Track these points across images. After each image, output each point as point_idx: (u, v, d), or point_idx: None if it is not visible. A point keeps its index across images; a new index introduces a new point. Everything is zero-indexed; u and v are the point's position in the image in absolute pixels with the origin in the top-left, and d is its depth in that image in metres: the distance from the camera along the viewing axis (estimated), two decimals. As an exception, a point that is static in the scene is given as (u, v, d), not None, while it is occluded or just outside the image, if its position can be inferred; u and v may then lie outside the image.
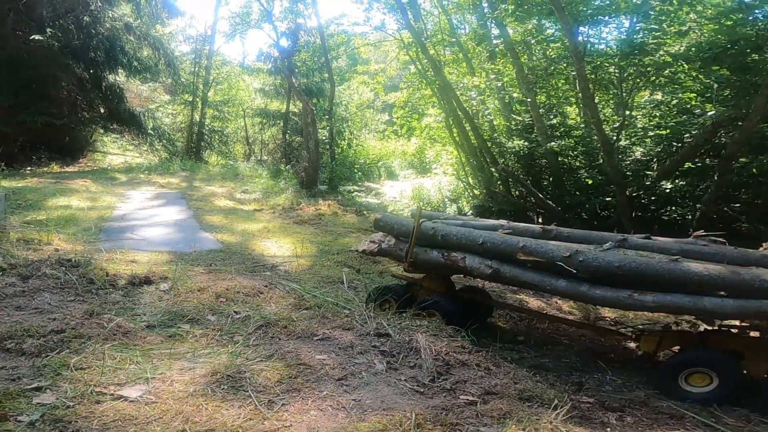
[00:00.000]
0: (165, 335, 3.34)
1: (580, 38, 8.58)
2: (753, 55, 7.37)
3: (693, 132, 8.24)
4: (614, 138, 8.92)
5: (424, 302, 4.23)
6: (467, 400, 2.70)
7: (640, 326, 4.54)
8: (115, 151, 19.58)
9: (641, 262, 3.35)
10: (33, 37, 13.02)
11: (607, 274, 3.42)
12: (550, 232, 4.12)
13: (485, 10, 11.80)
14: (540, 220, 10.11)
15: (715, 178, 7.55)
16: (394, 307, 4.25)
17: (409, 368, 3.04)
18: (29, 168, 12.80)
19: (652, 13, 8.23)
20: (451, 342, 3.39)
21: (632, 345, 4.43)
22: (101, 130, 17.59)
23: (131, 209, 8.39)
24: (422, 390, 2.79)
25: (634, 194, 8.64)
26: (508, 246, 3.80)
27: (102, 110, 16.70)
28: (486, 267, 3.89)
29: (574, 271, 3.46)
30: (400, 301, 4.28)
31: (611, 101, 10.56)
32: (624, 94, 9.34)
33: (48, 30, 13.51)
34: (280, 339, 3.38)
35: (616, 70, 9.00)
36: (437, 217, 4.75)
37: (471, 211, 12.44)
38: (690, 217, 8.14)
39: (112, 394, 2.46)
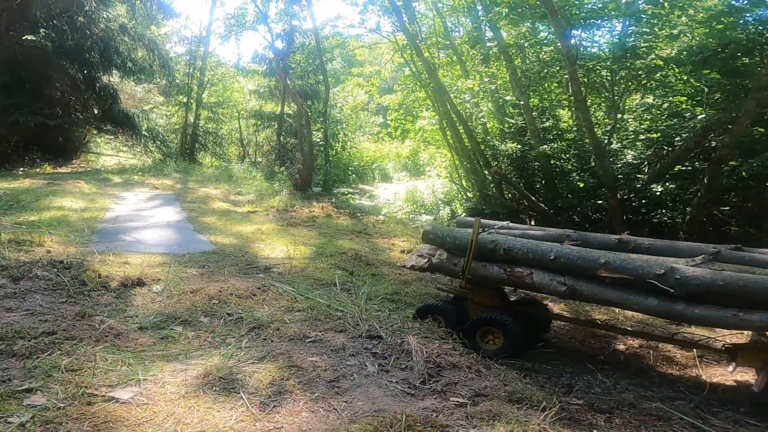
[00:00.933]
0: (157, 337, 3.35)
1: (572, 41, 8.64)
2: (743, 59, 7.44)
3: (683, 135, 8.32)
4: (606, 141, 8.99)
5: (481, 320, 3.87)
6: (457, 402, 2.72)
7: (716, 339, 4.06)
8: (108, 152, 19.51)
9: (749, 279, 3.07)
10: (26, 37, 12.97)
11: (707, 292, 3.15)
12: (627, 244, 3.82)
13: (479, 13, 11.86)
14: (532, 223, 10.16)
15: (705, 181, 7.62)
16: (442, 326, 3.90)
17: (401, 370, 3.07)
18: (22, 168, 12.76)
19: (644, 16, 8.31)
20: (443, 344, 3.42)
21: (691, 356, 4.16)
22: (95, 131, 17.55)
23: (125, 211, 8.37)
24: (413, 392, 2.81)
25: (625, 197, 8.71)
26: (587, 261, 3.48)
27: (96, 111, 16.65)
28: (558, 284, 3.57)
29: (671, 290, 3.18)
30: (450, 319, 3.92)
31: (603, 104, 10.63)
32: (615, 97, 9.41)
33: (42, 30, 13.47)
34: (272, 341, 3.39)
35: (608, 74, 9.06)
36: (491, 226, 4.41)
37: (464, 213, 12.48)
38: (680, 220, 8.21)
39: (103, 396, 2.47)
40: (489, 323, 3.86)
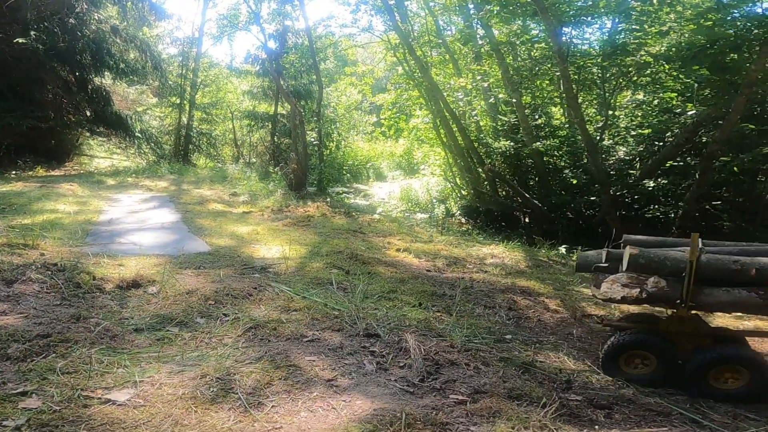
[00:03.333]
0: (153, 338, 3.33)
1: (563, 39, 8.68)
2: (732, 55, 7.51)
3: (674, 131, 8.39)
4: (598, 138, 9.04)
5: (721, 355, 3.40)
6: (457, 399, 2.73)
7: None
8: (101, 154, 19.38)
9: None
10: (17, 39, 12.86)
11: None
12: None
13: (471, 11, 11.88)
14: (527, 220, 10.20)
15: (697, 176, 7.68)
16: (654, 364, 3.51)
17: (399, 368, 3.07)
18: (14, 172, 12.65)
19: (633, 13, 8.36)
20: (440, 342, 3.42)
21: None
22: (87, 134, 17.41)
23: (119, 213, 8.32)
24: (412, 390, 2.82)
25: (618, 193, 8.76)
26: None
27: (88, 113, 16.52)
28: None
29: None
30: (666, 355, 3.49)
31: (594, 101, 10.70)
32: (607, 94, 9.47)
33: (32, 32, 13.34)
34: (269, 341, 3.39)
35: (599, 71, 9.12)
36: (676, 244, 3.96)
37: (459, 212, 12.50)
38: (673, 215, 8.27)
39: (99, 398, 2.45)
40: (732, 359, 3.39)
